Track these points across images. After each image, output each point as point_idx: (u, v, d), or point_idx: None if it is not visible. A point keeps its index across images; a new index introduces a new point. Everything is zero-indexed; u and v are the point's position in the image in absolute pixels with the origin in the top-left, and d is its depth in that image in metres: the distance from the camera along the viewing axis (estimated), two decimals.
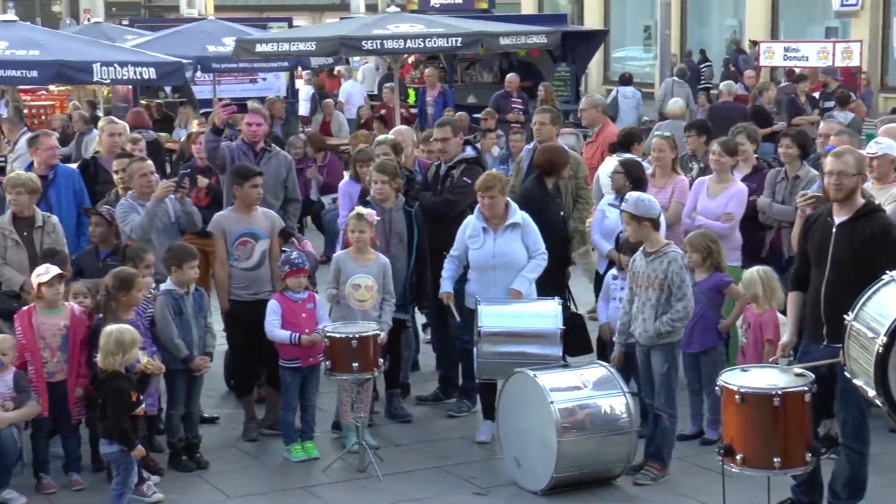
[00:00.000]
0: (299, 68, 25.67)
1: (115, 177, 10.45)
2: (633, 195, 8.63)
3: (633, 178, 9.97)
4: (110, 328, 7.90)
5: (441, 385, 10.29)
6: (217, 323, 9.47)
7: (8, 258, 9.47)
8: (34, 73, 15.02)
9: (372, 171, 9.98)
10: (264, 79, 26.25)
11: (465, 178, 10.13)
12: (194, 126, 19.37)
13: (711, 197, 10.46)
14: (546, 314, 8.92)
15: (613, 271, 9.65)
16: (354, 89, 26.26)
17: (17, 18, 17.88)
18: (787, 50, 25.17)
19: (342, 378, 8.78)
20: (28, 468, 8.53)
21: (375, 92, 26.02)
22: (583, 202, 11.38)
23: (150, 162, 10.13)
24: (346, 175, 12.00)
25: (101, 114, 21.98)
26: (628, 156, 11.07)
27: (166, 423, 8.93)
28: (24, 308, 8.53)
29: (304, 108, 25.12)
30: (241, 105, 11.02)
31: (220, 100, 11.89)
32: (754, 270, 9.23)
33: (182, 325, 8.73)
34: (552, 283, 9.46)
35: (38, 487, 8.38)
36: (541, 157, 10.28)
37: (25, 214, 9.59)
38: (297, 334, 8.82)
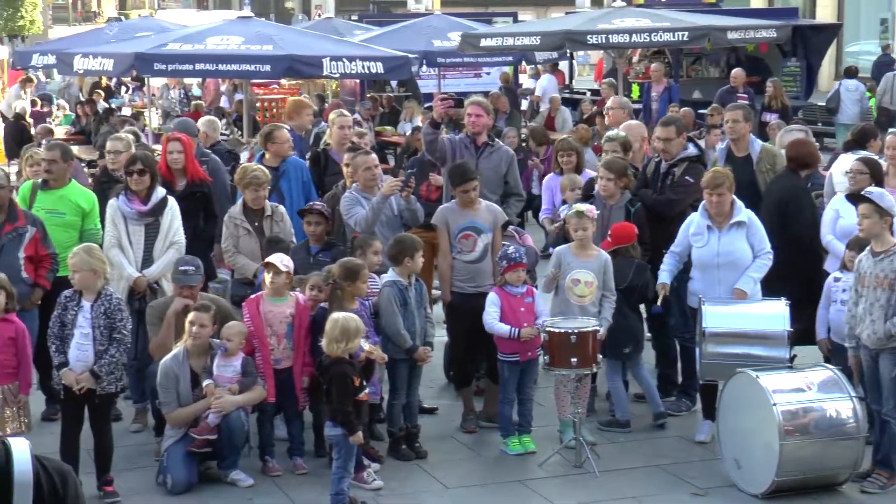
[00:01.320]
0: (523, 63, 25.74)
1: (345, 170, 10.68)
2: (877, 189, 8.38)
3: (877, 178, 9.59)
4: (336, 315, 8.08)
5: (659, 383, 10.16)
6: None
7: (240, 247, 9.80)
8: (267, 68, 15.44)
9: (599, 167, 9.95)
10: (488, 73, 26.41)
11: (687, 177, 9.96)
12: (419, 120, 19.65)
13: None
14: (773, 315, 8.71)
15: (836, 273, 9.27)
16: (550, 84, 26.21)
17: (252, 15, 18.49)
18: None
19: (560, 373, 8.78)
20: (254, 451, 8.81)
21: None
22: None
23: (374, 155, 10.29)
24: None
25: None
26: (866, 153, 10.68)
27: (387, 413, 9.08)
28: (253, 296, 8.82)
29: (527, 104, 25.19)
30: (457, 101, 11.03)
31: (443, 94, 11.98)
32: None
33: (406, 316, 8.86)
34: (806, 287, 9.34)
35: (264, 470, 8.64)
36: (797, 151, 10.06)
37: (258, 206, 9.89)
38: (517, 329, 8.85)
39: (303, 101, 13.94)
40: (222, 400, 8.27)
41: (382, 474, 8.54)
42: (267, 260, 8.82)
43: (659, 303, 9.23)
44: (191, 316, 8.37)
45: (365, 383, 8.09)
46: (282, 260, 8.73)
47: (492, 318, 8.94)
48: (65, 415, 8.41)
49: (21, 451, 3.00)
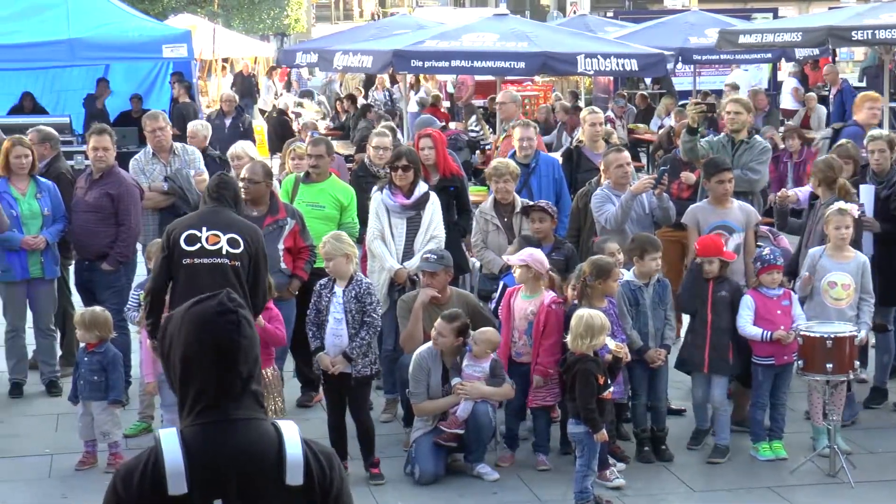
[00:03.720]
0: (782, 60, 25.08)
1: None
2: None
3: None
4: (581, 312, 8.06)
5: None
6: None
7: (488, 242, 9.88)
8: (521, 65, 15.51)
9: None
10: (746, 70, 25.87)
11: None
12: (672, 119, 19.39)
13: None
14: None
15: None
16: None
17: (507, 12, 18.63)
18: None
19: (814, 378, 8.51)
20: (500, 445, 8.85)
21: None
22: None
23: (626, 153, 10.20)
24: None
25: (581, 104, 22.47)
26: None
27: (632, 413, 9.00)
28: (511, 288, 8.88)
29: (787, 101, 24.54)
30: (709, 106, 10.85)
31: (698, 93, 11.79)
32: None
33: (638, 316, 8.76)
34: None
35: (502, 460, 8.68)
36: None
37: (507, 200, 9.95)
38: (769, 332, 8.62)
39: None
40: (470, 386, 8.33)
41: (626, 474, 8.45)
42: (512, 256, 8.88)
43: None
44: (436, 323, 8.47)
45: (609, 381, 8.03)
46: (531, 255, 8.75)
47: (745, 321, 8.72)
48: (327, 400, 8.75)
49: (291, 433, 3.15)
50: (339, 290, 8.43)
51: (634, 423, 8.94)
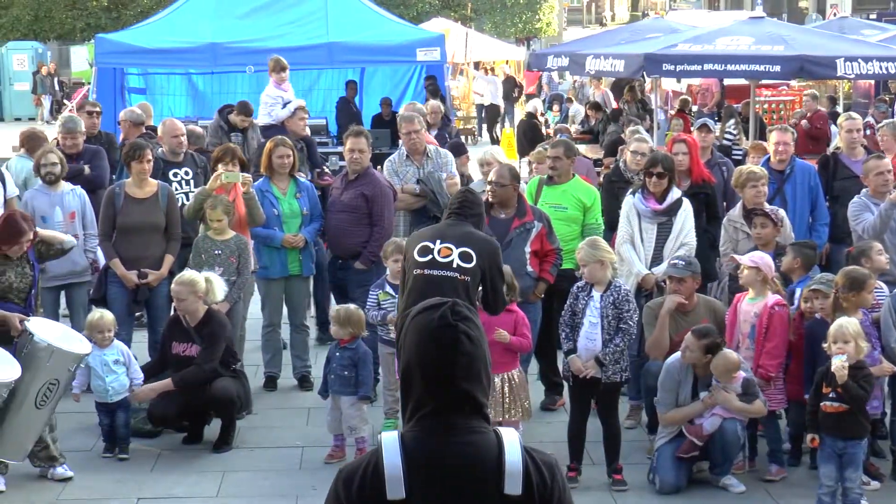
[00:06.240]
0: None
1: None
2: None
3: None
4: (841, 320, 7.83)
5: None
6: None
7: (738, 250, 9.64)
8: (777, 68, 15.16)
9: None
10: None
11: None
12: None
13: None
14: None
15: None
16: None
17: (764, 15, 18.22)
18: None
19: None
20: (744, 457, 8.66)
21: None
22: None
23: (887, 160, 9.87)
24: None
25: (840, 109, 21.81)
26: None
27: (890, 429, 8.67)
28: (736, 296, 8.76)
29: None
30: None
31: None
32: None
33: None
34: None
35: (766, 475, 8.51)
36: None
37: (759, 207, 9.72)
38: None
39: None
40: (722, 395, 8.18)
41: (881, 494, 8.15)
42: (742, 257, 8.76)
43: None
44: (686, 336, 8.32)
45: (850, 393, 7.75)
46: (761, 258, 8.61)
47: None
48: (572, 401, 8.74)
49: (511, 441, 3.12)
50: (596, 294, 8.42)
51: (892, 440, 8.62)
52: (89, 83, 22.78)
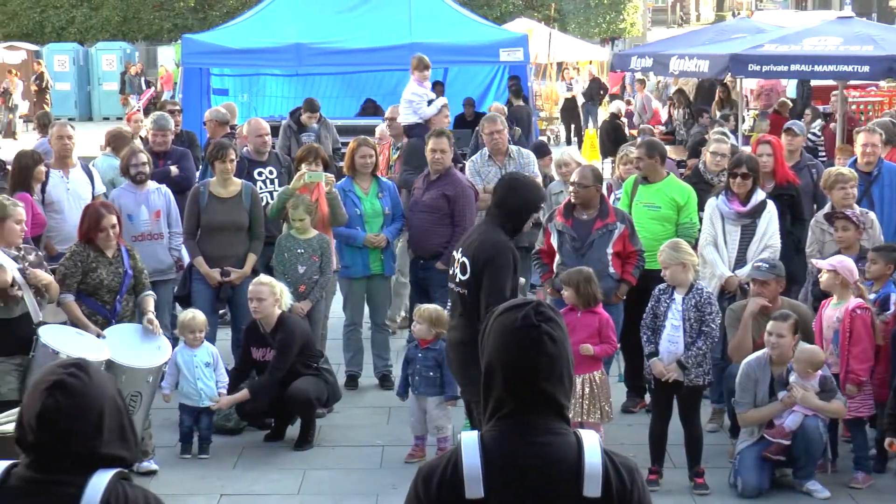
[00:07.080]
0: None
1: None
2: None
3: None
4: None
5: None
6: None
7: (824, 252, 9.53)
8: (865, 69, 14.95)
9: None
10: None
11: None
12: None
13: None
14: None
15: None
16: None
17: (853, 14, 17.99)
18: None
19: None
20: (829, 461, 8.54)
21: None
22: None
23: None
24: None
25: None
26: None
27: None
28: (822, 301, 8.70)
29: None
30: None
31: None
32: None
33: None
34: None
35: (850, 482, 8.37)
36: None
37: (848, 208, 9.58)
38: None
39: None
40: (797, 392, 8.08)
41: None
42: (821, 261, 8.69)
43: None
44: (770, 326, 8.25)
45: None
46: (841, 262, 8.52)
47: None
48: (654, 404, 8.70)
49: (591, 443, 3.11)
50: (678, 296, 8.37)
51: None
52: (155, 85, 23.02)
